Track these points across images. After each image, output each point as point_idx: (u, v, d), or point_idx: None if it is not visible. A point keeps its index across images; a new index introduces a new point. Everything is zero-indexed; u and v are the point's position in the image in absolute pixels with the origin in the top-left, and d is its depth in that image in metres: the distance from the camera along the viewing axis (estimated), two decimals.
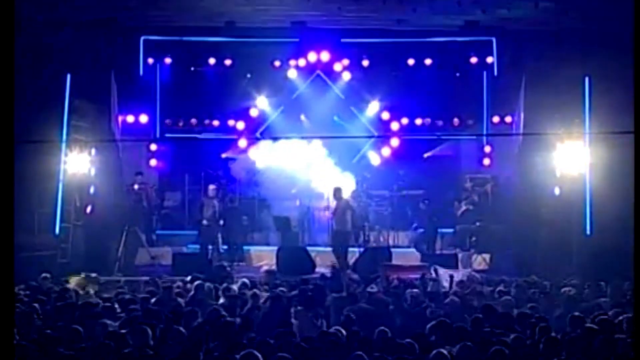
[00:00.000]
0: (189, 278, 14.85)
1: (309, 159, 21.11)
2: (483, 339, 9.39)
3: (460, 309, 11.80)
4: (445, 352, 8.52)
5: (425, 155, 22.03)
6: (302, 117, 21.91)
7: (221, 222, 19.63)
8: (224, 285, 13.69)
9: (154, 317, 10.42)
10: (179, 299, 12.72)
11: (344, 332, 9.87)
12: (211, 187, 19.86)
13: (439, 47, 21.59)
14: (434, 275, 15.73)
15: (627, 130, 14.05)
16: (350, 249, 19.18)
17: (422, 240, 20.16)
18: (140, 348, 8.83)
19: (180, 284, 14.38)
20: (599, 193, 17.49)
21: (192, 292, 13.14)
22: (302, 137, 20.92)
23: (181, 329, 9.69)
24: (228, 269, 16.95)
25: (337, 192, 19.08)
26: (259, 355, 8.21)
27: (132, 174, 20.47)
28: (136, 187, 20.09)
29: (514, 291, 13.33)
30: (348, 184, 20.51)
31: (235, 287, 13.77)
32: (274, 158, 21.15)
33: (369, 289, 13.73)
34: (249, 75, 21.97)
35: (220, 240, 19.62)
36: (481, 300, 12.59)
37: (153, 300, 12.46)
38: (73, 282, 15.01)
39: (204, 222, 19.40)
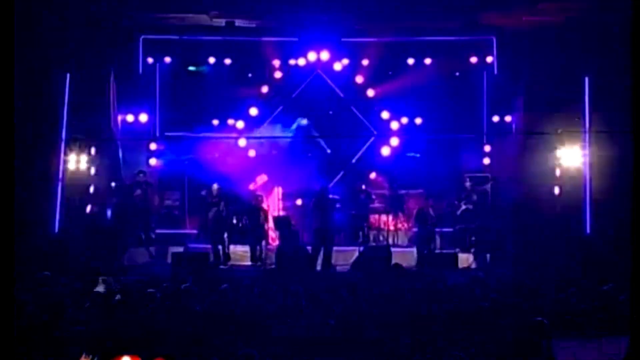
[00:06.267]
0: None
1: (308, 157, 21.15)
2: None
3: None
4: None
5: (426, 154, 22.03)
6: (299, 119, 21.90)
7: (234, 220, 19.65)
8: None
9: None
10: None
11: None
12: (215, 186, 19.82)
13: (439, 46, 21.59)
14: None
15: (626, 129, 14.04)
16: (350, 248, 19.23)
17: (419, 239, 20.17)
18: None
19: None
20: (598, 192, 17.49)
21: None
22: (302, 136, 20.91)
23: None
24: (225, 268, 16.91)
25: (324, 191, 19.30)
26: (256, 354, 8.25)
27: (132, 173, 20.45)
28: (139, 191, 20.08)
29: (512, 291, 13.34)
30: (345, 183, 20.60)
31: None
32: (274, 157, 21.13)
33: None
34: (248, 75, 21.98)
35: (226, 240, 19.61)
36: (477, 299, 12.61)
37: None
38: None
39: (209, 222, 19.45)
